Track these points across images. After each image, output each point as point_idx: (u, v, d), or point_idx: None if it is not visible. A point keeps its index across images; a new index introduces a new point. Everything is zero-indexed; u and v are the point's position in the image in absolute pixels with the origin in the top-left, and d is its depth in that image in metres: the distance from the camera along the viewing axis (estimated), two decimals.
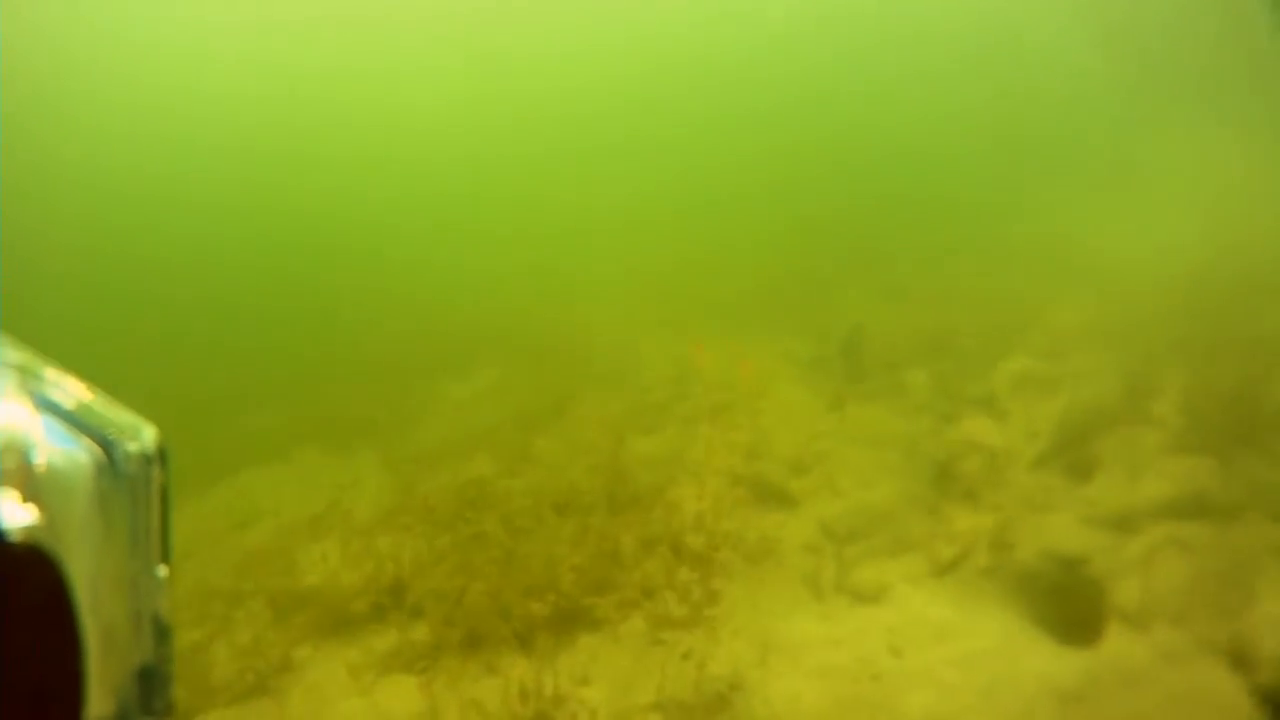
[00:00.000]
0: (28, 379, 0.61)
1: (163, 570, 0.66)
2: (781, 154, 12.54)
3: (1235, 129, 9.19)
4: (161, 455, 0.65)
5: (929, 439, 6.30)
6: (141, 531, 0.65)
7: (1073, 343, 6.91)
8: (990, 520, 5.68)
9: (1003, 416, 6.41)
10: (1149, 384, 6.36)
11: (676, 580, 5.29)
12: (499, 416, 7.77)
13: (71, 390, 0.63)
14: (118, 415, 0.64)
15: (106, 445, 0.62)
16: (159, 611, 0.66)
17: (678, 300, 9.05)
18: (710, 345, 8.01)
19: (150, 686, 0.65)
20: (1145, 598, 5.19)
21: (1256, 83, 9.99)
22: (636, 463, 6.49)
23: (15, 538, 0.56)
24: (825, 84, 14.20)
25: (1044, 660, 4.95)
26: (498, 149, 14.67)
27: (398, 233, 12.47)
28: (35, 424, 0.59)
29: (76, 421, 0.62)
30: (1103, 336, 6.92)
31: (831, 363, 7.40)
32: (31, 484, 0.58)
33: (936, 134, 11.77)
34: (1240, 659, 4.91)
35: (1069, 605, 5.27)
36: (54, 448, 0.60)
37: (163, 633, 0.66)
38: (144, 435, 0.64)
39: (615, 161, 13.60)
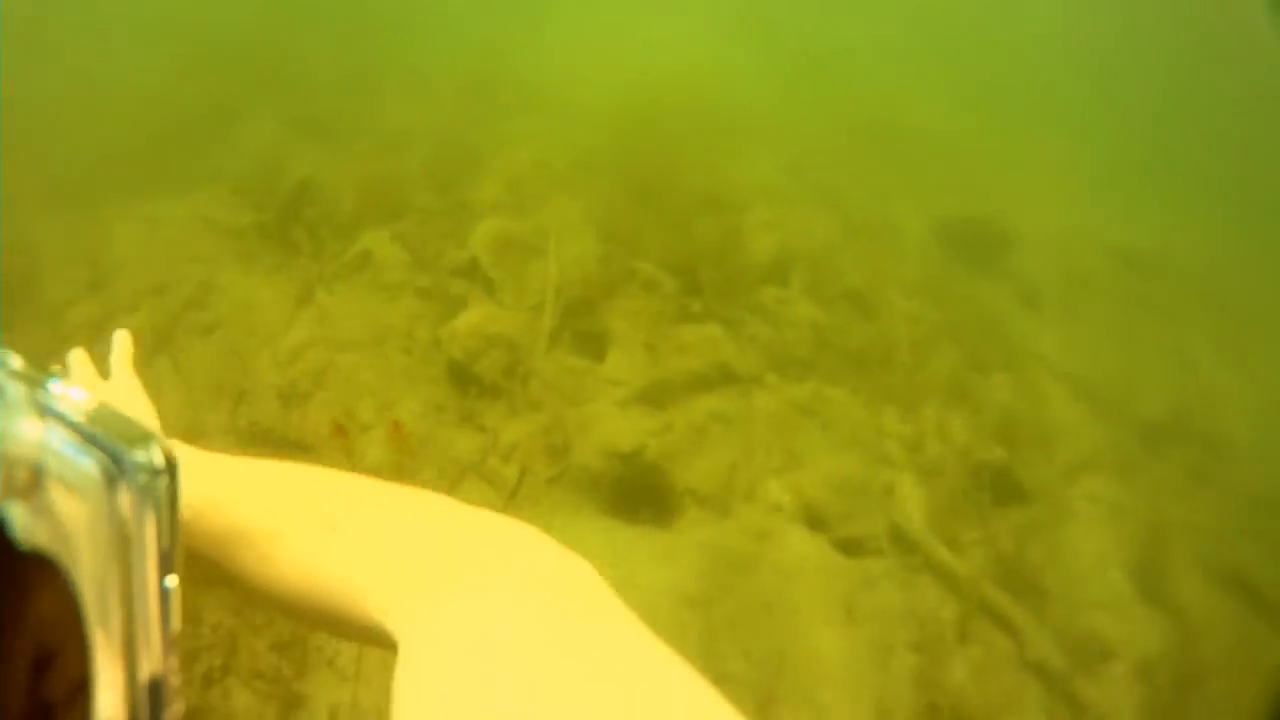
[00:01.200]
0: (35, 389, 0.63)
1: (172, 581, 0.63)
2: None
3: None
4: (170, 466, 0.62)
5: (428, 328, 5.19)
6: (150, 542, 0.62)
7: (537, 193, 6.31)
8: (534, 423, 4.86)
9: (495, 291, 5.54)
10: (627, 240, 6.10)
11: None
12: None
13: (79, 401, 0.63)
14: (126, 426, 0.62)
15: (115, 456, 0.60)
16: (168, 623, 0.63)
17: (59, 158, 6.25)
18: (109, 211, 5.64)
19: (159, 698, 0.64)
20: (712, 479, 4.89)
21: None
22: None
23: (24, 548, 0.57)
24: None
25: (661, 571, 4.51)
26: None
27: None
28: (43, 434, 0.60)
29: (85, 432, 0.61)
30: (564, 185, 6.48)
31: (279, 232, 5.71)
32: (40, 495, 0.59)
33: None
34: (814, 520, 4.88)
35: (644, 501, 4.78)
36: (63, 458, 0.60)
37: (172, 644, 0.64)
38: (153, 446, 0.61)
39: None
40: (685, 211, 6.48)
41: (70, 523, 0.61)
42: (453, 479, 4.42)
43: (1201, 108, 10.99)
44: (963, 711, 4.32)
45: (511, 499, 4.45)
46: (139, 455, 0.61)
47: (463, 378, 4.97)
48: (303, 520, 0.90)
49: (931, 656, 4.51)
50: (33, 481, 0.59)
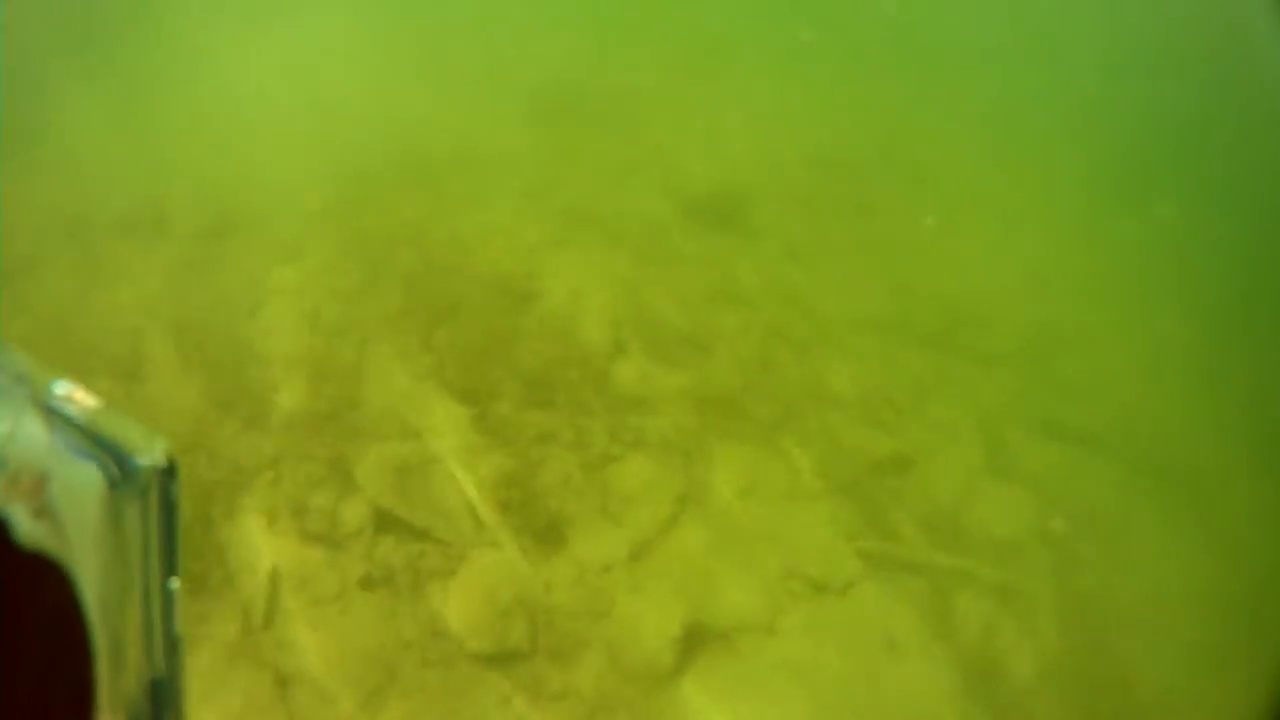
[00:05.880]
0: (38, 391, 0.73)
1: (174, 583, 0.76)
2: None
3: None
4: (172, 468, 0.75)
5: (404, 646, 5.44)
6: (152, 544, 0.75)
7: (351, 374, 6.45)
8: (586, 669, 5.49)
9: (427, 536, 5.83)
10: (481, 391, 6.50)
11: None
12: None
13: (83, 403, 0.74)
14: (129, 428, 0.74)
15: (118, 458, 0.73)
16: (170, 624, 0.77)
17: None
18: None
19: (161, 700, 0.76)
20: (748, 602, 5.86)
21: None
22: None
23: (28, 549, 0.68)
24: None
25: None
26: None
27: None
28: (47, 436, 0.71)
29: (88, 434, 0.73)
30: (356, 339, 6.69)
31: None
32: (44, 497, 0.70)
33: None
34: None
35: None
36: (67, 460, 0.71)
37: (174, 646, 0.78)
38: (155, 448, 0.74)
39: None
40: (492, 315, 6.89)
41: (74, 525, 0.70)
42: None
43: None
44: None
45: None
46: (142, 458, 0.73)
47: (494, 657, 5.32)
48: None
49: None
50: (37, 484, 0.69)
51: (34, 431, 0.69)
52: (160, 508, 0.73)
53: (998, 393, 8.58)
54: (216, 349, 6.37)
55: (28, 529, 0.66)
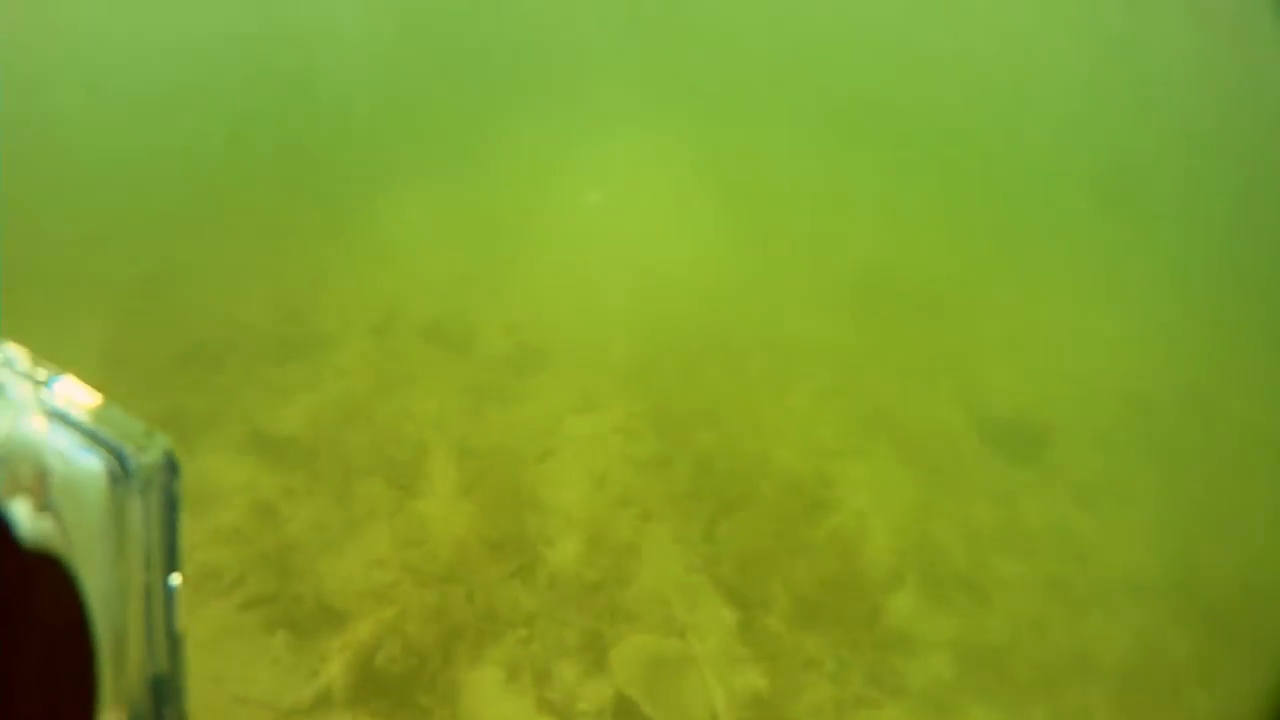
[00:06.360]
0: (41, 389, 0.72)
1: (175, 580, 0.76)
2: None
3: None
4: (173, 464, 0.74)
5: None
6: (154, 541, 0.75)
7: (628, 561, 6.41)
8: None
9: None
10: (753, 597, 6.43)
11: None
12: None
13: (85, 400, 0.74)
14: (130, 425, 0.74)
15: (119, 455, 0.73)
16: (172, 621, 0.76)
17: None
18: None
19: (162, 696, 0.76)
20: None
21: None
22: None
23: (30, 546, 0.67)
24: None
25: None
26: None
27: None
28: (49, 433, 0.70)
29: (89, 431, 0.72)
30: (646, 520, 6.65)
31: None
32: (45, 493, 0.69)
33: None
34: None
35: None
36: (68, 457, 0.71)
37: (175, 642, 0.77)
38: (156, 445, 0.73)
39: None
40: (779, 518, 6.80)
41: (75, 521, 0.71)
42: None
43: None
44: None
45: None
46: (143, 454, 0.73)
47: None
48: None
49: None
50: (38, 480, 0.69)
51: (35, 428, 0.70)
52: (161, 504, 0.75)
53: (1260, 684, 8.01)
54: (497, 486, 6.48)
55: (30, 526, 0.67)
